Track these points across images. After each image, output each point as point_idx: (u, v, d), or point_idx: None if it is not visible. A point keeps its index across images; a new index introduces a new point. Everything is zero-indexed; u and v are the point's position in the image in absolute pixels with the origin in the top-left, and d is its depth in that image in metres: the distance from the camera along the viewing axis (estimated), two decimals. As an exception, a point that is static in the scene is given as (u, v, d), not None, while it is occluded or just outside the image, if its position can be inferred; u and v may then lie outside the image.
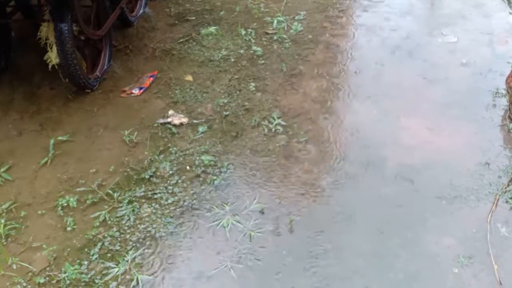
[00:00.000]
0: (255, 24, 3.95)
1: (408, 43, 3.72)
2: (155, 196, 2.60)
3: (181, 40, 3.79)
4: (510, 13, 4.01)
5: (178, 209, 2.53)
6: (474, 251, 2.28)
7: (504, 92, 3.18)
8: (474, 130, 2.94)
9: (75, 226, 2.46)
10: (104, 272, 2.26)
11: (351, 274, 2.22)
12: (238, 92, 3.28)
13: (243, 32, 3.82)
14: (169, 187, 2.64)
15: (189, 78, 3.43)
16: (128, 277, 2.24)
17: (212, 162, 2.77)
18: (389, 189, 2.60)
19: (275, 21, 3.94)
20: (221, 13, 4.10)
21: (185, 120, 3.06)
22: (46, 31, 3.09)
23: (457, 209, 2.48)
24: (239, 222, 2.45)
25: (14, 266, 2.30)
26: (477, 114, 3.05)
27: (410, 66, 3.50)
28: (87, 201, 2.57)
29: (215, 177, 2.68)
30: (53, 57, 3.11)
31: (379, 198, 2.55)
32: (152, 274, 2.25)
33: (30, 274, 2.27)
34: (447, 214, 2.46)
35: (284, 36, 3.79)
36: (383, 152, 2.81)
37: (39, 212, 2.55)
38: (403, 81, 3.35)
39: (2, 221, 2.49)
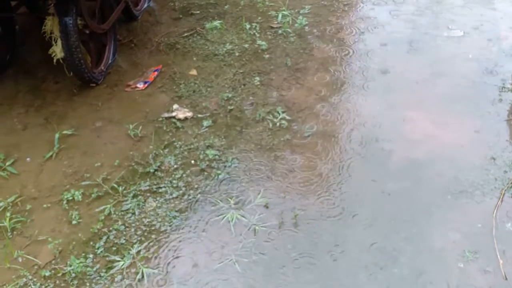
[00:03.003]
0: (259, 18, 3.94)
1: (414, 37, 3.70)
2: (160, 190, 2.60)
3: (185, 34, 3.79)
4: (517, 7, 3.98)
5: (182, 203, 2.53)
6: (480, 246, 2.28)
7: (510, 87, 3.16)
8: (480, 124, 2.92)
9: (80, 220, 2.47)
10: (109, 265, 2.27)
11: (355, 269, 2.21)
12: (242, 86, 3.28)
13: (248, 26, 3.80)
14: (174, 181, 2.64)
15: (194, 72, 3.43)
16: (133, 270, 2.24)
17: (217, 157, 2.77)
18: (394, 183, 2.59)
19: (280, 15, 3.92)
20: (226, 7, 4.09)
21: (189, 114, 3.06)
22: (51, 25, 3.09)
23: (462, 204, 2.47)
24: (243, 216, 2.45)
25: (20, 259, 2.31)
26: (483, 108, 3.03)
27: (416, 60, 3.48)
28: (92, 195, 2.58)
29: (219, 172, 2.68)
30: (58, 51, 3.12)
31: (384, 193, 2.54)
32: (157, 267, 2.25)
33: (35, 267, 2.28)
34: (453, 209, 2.45)
35: (289, 30, 3.78)
36: (388, 147, 2.80)
37: (45, 205, 2.55)
38: (408, 75, 3.34)
39: (8, 214, 2.50)
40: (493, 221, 2.38)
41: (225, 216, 2.45)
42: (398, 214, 2.44)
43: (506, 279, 2.16)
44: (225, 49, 3.60)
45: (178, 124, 3.00)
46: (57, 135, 2.91)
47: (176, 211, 2.49)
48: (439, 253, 2.26)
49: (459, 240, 2.31)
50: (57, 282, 2.21)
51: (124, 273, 2.24)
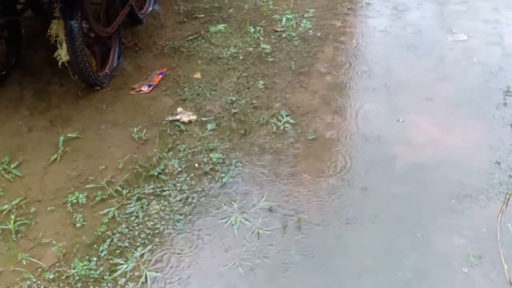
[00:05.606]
0: (263, 21, 3.94)
1: (418, 41, 3.70)
2: (164, 193, 2.60)
3: (189, 38, 3.80)
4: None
5: (186, 206, 2.53)
6: (484, 251, 2.27)
7: (515, 90, 3.15)
8: (485, 128, 2.92)
9: (84, 223, 2.48)
10: (113, 268, 2.27)
11: (360, 273, 2.21)
12: (246, 89, 3.28)
13: (252, 30, 3.81)
14: (178, 184, 2.65)
15: (198, 75, 3.44)
16: (136, 273, 2.25)
17: (221, 160, 2.78)
18: (398, 187, 2.58)
19: (284, 19, 3.93)
20: (230, 10, 4.10)
21: (193, 117, 3.07)
22: (56, 28, 3.10)
23: (467, 208, 2.46)
24: (247, 220, 2.45)
25: (24, 262, 2.32)
26: (487, 112, 3.02)
27: (420, 64, 3.47)
28: (96, 198, 2.59)
29: (223, 175, 2.68)
30: (63, 54, 3.13)
31: (388, 197, 2.54)
32: (161, 270, 2.25)
33: (39, 269, 2.29)
34: (457, 213, 2.44)
35: (293, 33, 3.79)
36: (392, 151, 2.80)
37: (49, 208, 2.56)
38: (412, 79, 3.33)
39: (12, 217, 2.50)
40: (498, 226, 2.37)
41: (229, 219, 2.45)
42: (403, 218, 2.43)
43: (511, 284, 2.15)
44: (229, 52, 3.61)
45: (182, 127, 3.01)
46: (61, 138, 2.92)
47: (179, 214, 2.49)
48: (444, 257, 2.25)
49: (464, 244, 2.30)
50: (61, 285, 2.22)
51: (128, 276, 2.24)
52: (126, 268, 2.27)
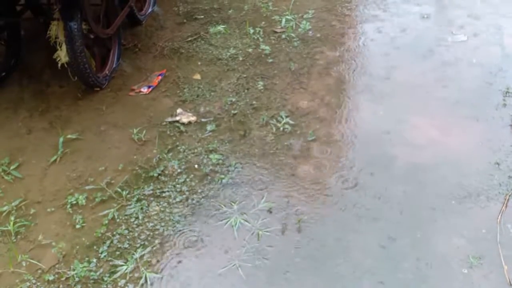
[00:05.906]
0: (263, 22, 3.94)
1: (417, 42, 3.70)
2: (164, 195, 2.60)
3: (189, 39, 3.80)
4: (521, 11, 3.97)
5: (186, 208, 2.53)
6: (484, 252, 2.27)
7: (514, 91, 3.15)
8: (484, 129, 2.92)
9: (84, 224, 2.48)
10: (112, 270, 2.27)
11: (360, 274, 2.21)
12: (246, 90, 3.28)
13: (252, 31, 3.81)
14: (178, 185, 2.65)
15: (198, 76, 3.44)
16: (136, 275, 2.25)
17: (220, 161, 2.78)
18: (398, 188, 2.58)
19: (284, 20, 3.93)
20: (230, 11, 4.10)
21: (193, 118, 3.07)
22: (56, 29, 3.10)
23: (466, 209, 2.46)
24: (247, 221, 2.45)
25: (24, 263, 2.32)
26: (487, 113, 3.02)
27: (419, 65, 3.48)
28: (96, 199, 2.59)
29: (223, 176, 2.68)
30: (62, 55, 3.13)
31: (388, 197, 2.54)
32: (160, 272, 2.25)
33: (39, 271, 2.29)
34: (457, 214, 2.44)
35: (293, 34, 3.79)
36: (392, 152, 2.80)
37: (49, 209, 2.56)
38: (412, 80, 3.33)
39: (12, 218, 2.51)
40: (498, 227, 2.37)
41: (229, 220, 2.45)
42: (402, 219, 2.43)
43: (511, 285, 2.15)
44: (228, 53, 3.61)
45: (182, 128, 3.01)
46: (61, 139, 2.92)
47: (179, 216, 2.49)
48: (443, 258, 2.25)
49: (463, 245, 2.30)
50: (61, 286, 2.22)
51: (128, 277, 2.24)
52: (126, 269, 2.27)
